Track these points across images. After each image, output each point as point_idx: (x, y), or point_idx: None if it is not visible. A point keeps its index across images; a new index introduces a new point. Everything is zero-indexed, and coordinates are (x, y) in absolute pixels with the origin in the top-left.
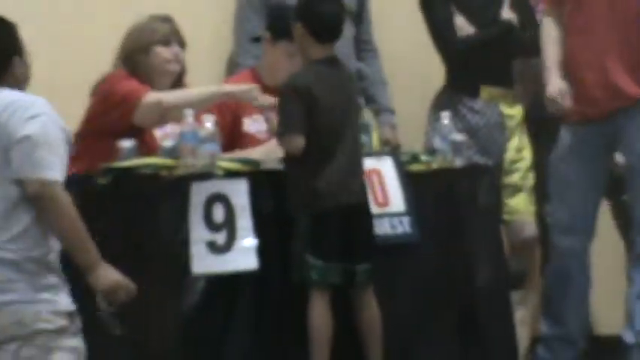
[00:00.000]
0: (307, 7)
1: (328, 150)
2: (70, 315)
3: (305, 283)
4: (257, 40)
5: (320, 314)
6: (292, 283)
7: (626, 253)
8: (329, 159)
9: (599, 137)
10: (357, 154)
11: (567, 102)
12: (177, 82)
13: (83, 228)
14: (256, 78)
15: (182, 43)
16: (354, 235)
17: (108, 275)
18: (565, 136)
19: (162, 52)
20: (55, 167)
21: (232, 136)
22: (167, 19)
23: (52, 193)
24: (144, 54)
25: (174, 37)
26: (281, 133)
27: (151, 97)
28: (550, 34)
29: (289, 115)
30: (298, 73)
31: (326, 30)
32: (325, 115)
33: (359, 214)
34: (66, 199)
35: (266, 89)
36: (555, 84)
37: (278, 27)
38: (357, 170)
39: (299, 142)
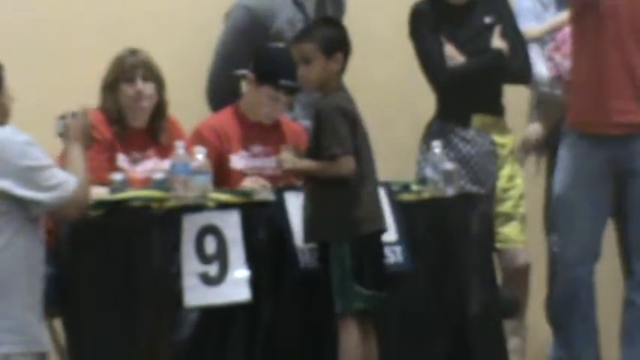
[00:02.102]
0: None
1: (365, 175)
2: (41, 356)
3: (350, 311)
4: (241, 76)
5: (357, 343)
6: (336, 312)
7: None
8: (365, 184)
9: (607, 162)
10: (377, 181)
11: None
12: (156, 114)
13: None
14: (239, 115)
15: (151, 77)
16: (381, 262)
17: None
18: (569, 159)
19: (127, 89)
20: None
21: (219, 173)
22: (133, 53)
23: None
24: (112, 92)
25: (139, 71)
26: (336, 154)
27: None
28: None
29: (343, 137)
30: (336, 96)
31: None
32: (363, 139)
33: (381, 240)
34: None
35: (250, 125)
36: None
37: (264, 71)
38: (379, 196)
39: (353, 164)
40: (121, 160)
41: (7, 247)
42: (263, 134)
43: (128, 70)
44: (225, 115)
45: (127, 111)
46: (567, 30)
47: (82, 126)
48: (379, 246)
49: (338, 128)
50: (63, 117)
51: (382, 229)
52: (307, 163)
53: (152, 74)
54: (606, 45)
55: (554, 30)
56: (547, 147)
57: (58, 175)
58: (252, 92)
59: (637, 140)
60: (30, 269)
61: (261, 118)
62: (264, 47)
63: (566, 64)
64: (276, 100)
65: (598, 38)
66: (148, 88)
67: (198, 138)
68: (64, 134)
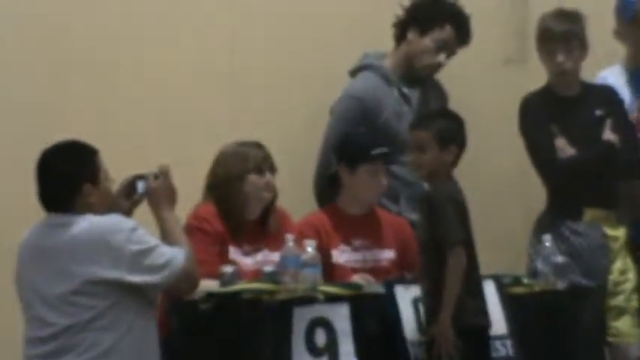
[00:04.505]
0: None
1: (476, 266)
2: None
3: None
4: (333, 178)
5: None
6: None
7: None
8: (477, 275)
9: None
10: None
11: None
12: (269, 206)
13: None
14: (338, 211)
15: (273, 169)
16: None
17: None
18: None
19: (256, 180)
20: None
21: (322, 269)
22: (259, 146)
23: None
24: (238, 182)
25: (266, 164)
26: (454, 242)
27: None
28: None
29: (457, 226)
30: (447, 186)
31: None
32: (471, 230)
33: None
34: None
35: (349, 220)
36: None
37: (354, 155)
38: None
39: (464, 253)
40: (233, 252)
41: (127, 335)
42: (363, 227)
43: (258, 162)
44: (324, 212)
45: (249, 202)
46: None
47: (167, 187)
48: (488, 339)
49: (451, 217)
50: (141, 177)
51: (490, 324)
52: (446, 307)
53: (274, 167)
54: None
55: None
56: (631, 244)
57: (166, 253)
58: (351, 182)
59: None
60: (150, 358)
61: (371, 200)
62: (344, 136)
63: None
64: (376, 174)
65: None
66: (272, 180)
67: (299, 236)
68: (144, 196)
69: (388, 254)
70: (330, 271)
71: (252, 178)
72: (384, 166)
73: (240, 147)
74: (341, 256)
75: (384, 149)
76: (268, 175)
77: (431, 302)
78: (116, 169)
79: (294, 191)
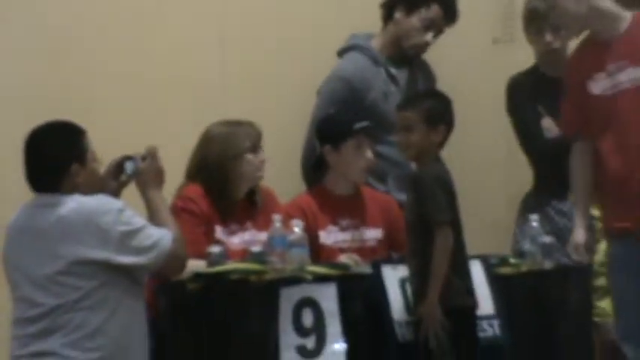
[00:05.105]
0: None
1: (463, 247)
2: None
3: None
4: (319, 164)
5: None
6: None
7: None
8: (465, 256)
9: None
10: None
11: (586, 256)
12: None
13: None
14: (324, 192)
15: (262, 148)
16: (477, 336)
17: None
18: (612, 248)
19: (252, 159)
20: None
21: (310, 250)
22: (251, 124)
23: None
24: (233, 162)
25: (259, 143)
26: (442, 222)
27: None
28: (578, 166)
29: (444, 206)
30: (434, 167)
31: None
32: (458, 212)
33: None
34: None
35: (336, 200)
36: (577, 236)
37: (337, 132)
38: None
39: (452, 234)
40: (219, 231)
41: (114, 315)
42: (350, 207)
43: (253, 141)
44: (311, 194)
45: (242, 182)
46: None
47: (155, 168)
48: (475, 319)
49: (439, 198)
50: (129, 158)
51: (476, 304)
52: (433, 287)
53: (262, 146)
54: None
55: None
56: None
57: (154, 234)
58: (337, 161)
59: None
60: (138, 338)
61: (359, 177)
62: (324, 118)
63: None
64: (361, 147)
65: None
66: (264, 159)
67: (286, 217)
68: (132, 177)
69: (375, 233)
70: (318, 252)
71: (249, 157)
72: (368, 140)
73: (231, 127)
74: (328, 237)
75: (366, 122)
76: (262, 154)
77: (418, 282)
78: (105, 150)
79: (282, 173)
